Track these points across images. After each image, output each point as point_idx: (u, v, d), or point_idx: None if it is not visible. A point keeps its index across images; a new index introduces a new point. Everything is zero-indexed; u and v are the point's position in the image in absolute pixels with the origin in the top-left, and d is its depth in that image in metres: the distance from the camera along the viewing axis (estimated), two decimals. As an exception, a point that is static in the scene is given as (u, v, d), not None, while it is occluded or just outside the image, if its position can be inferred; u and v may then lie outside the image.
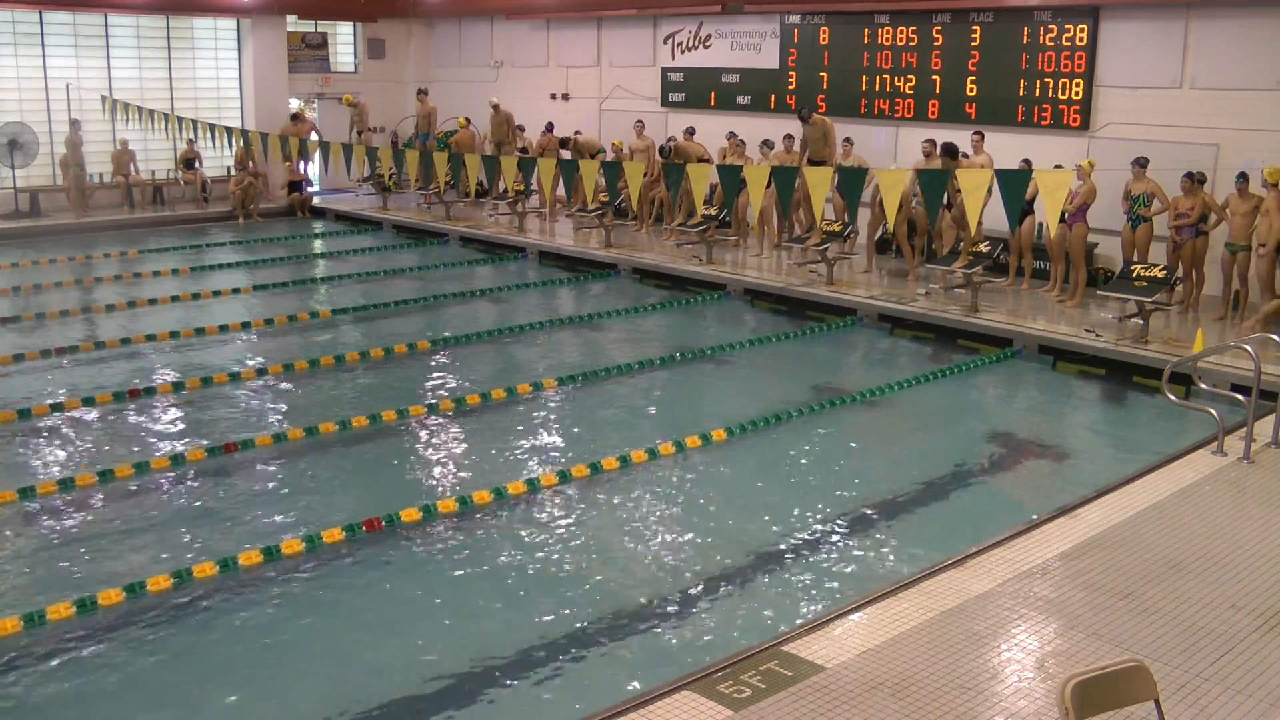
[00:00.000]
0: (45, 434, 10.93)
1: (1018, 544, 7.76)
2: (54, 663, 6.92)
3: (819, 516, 9.12)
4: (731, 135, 19.72)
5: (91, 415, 11.40)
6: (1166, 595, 6.94)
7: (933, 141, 16.49)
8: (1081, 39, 16.45)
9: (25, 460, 10.26)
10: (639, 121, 21.49)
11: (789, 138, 18.85)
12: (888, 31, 18.74)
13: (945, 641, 6.36)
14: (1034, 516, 8.38)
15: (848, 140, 17.93)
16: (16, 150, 22.02)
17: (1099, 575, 7.22)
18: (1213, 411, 9.70)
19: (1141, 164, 14.64)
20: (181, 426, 11.27)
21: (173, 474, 9.88)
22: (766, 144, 18.69)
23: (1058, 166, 14.61)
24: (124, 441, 10.74)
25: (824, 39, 19.76)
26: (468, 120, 24.31)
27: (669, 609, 7.59)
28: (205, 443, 10.54)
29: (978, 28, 17.63)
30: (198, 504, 9.38)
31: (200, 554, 8.21)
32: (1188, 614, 6.70)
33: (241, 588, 7.85)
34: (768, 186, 13.73)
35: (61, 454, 10.50)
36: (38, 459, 10.32)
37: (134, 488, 9.57)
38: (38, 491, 9.28)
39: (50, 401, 11.51)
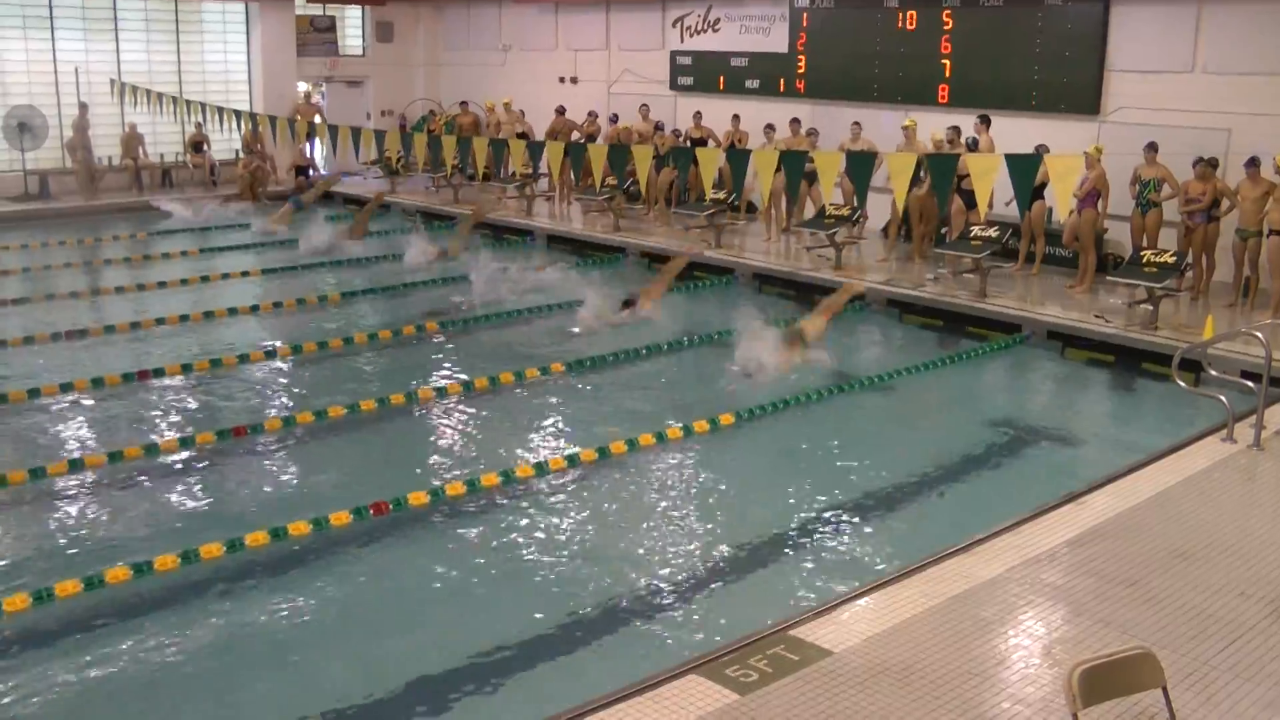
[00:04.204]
0: (55, 415, 10.96)
1: (1025, 530, 7.75)
2: (62, 638, 6.97)
3: (825, 501, 9.12)
4: (735, 118, 19.74)
5: (101, 397, 11.42)
6: (1174, 582, 6.93)
7: (956, 129, 16.43)
8: (1092, 23, 16.37)
9: (35, 441, 10.28)
10: (644, 105, 21.48)
11: (795, 121, 18.77)
12: (897, 15, 18.66)
13: (952, 627, 6.35)
14: (1041, 503, 8.36)
15: (856, 124, 17.87)
16: (26, 133, 22.04)
17: (1106, 562, 7.21)
18: (1222, 398, 9.66)
19: (1153, 149, 14.58)
20: (190, 408, 11.30)
21: (182, 455, 9.90)
22: (769, 127, 18.65)
23: (1086, 153, 14.52)
24: (133, 423, 10.77)
25: (833, 22, 19.68)
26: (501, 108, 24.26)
27: (675, 593, 7.60)
28: (214, 425, 10.56)
29: (988, 11, 17.54)
30: (206, 485, 9.41)
31: (208, 534, 8.20)
32: (1196, 601, 6.68)
33: (249, 568, 7.87)
34: (776, 170, 13.71)
35: (71, 435, 10.53)
36: (48, 439, 10.34)
37: (143, 469, 9.60)
38: (48, 471, 9.31)
39: (60, 382, 11.53)
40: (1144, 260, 13.68)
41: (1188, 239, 14.28)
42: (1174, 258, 13.56)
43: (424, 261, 17.82)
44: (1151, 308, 13.25)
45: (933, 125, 17.08)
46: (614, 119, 21.92)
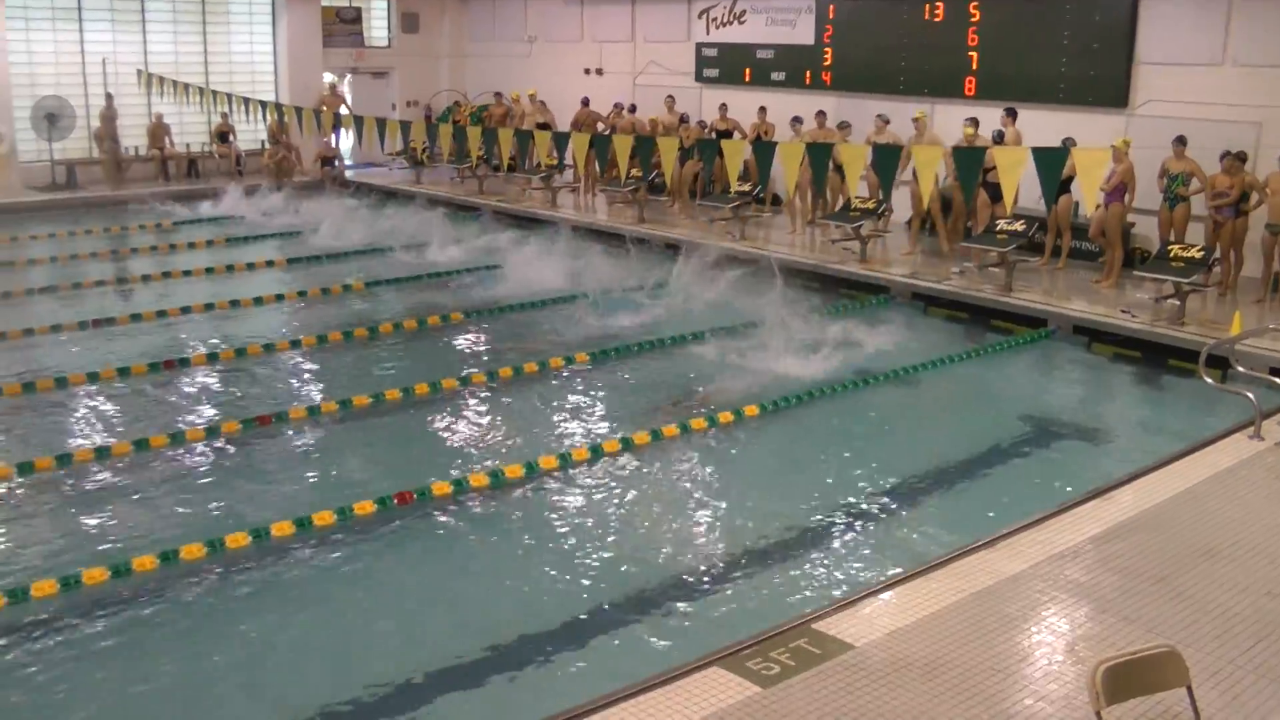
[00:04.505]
0: (82, 403, 11.04)
1: (1049, 526, 7.72)
2: (88, 625, 7.02)
3: (849, 494, 9.10)
4: (762, 110, 19.71)
5: (127, 385, 11.50)
6: (1200, 580, 6.89)
7: (975, 120, 16.35)
8: (1121, 15, 16.24)
9: (62, 429, 10.37)
10: (669, 97, 21.45)
11: (821, 114, 18.71)
12: (924, 7, 18.55)
13: (976, 622, 6.33)
14: (1066, 499, 8.32)
15: (881, 117, 17.76)
16: (54, 124, 22.20)
17: (1131, 559, 7.17)
18: (1249, 395, 9.59)
19: (1181, 143, 14.46)
20: (216, 398, 11.36)
21: (207, 444, 9.95)
22: (797, 120, 18.59)
23: (1114, 147, 14.38)
24: (159, 412, 10.84)
25: (859, 14, 19.60)
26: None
27: (698, 585, 7.60)
28: (240, 414, 10.62)
29: (1015, 3, 17.43)
30: (232, 475, 9.46)
31: (233, 524, 8.27)
32: (1221, 600, 6.64)
33: (273, 557, 7.91)
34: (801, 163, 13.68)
35: (98, 423, 10.61)
36: (74, 428, 10.44)
37: (169, 457, 9.66)
38: (74, 459, 9.39)
39: (87, 371, 11.60)
40: (1171, 255, 13.58)
41: (1216, 234, 14.16)
42: (1201, 252, 13.46)
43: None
44: (1179, 303, 13.15)
45: (961, 119, 16.93)
46: (632, 109, 21.90)
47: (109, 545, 8.05)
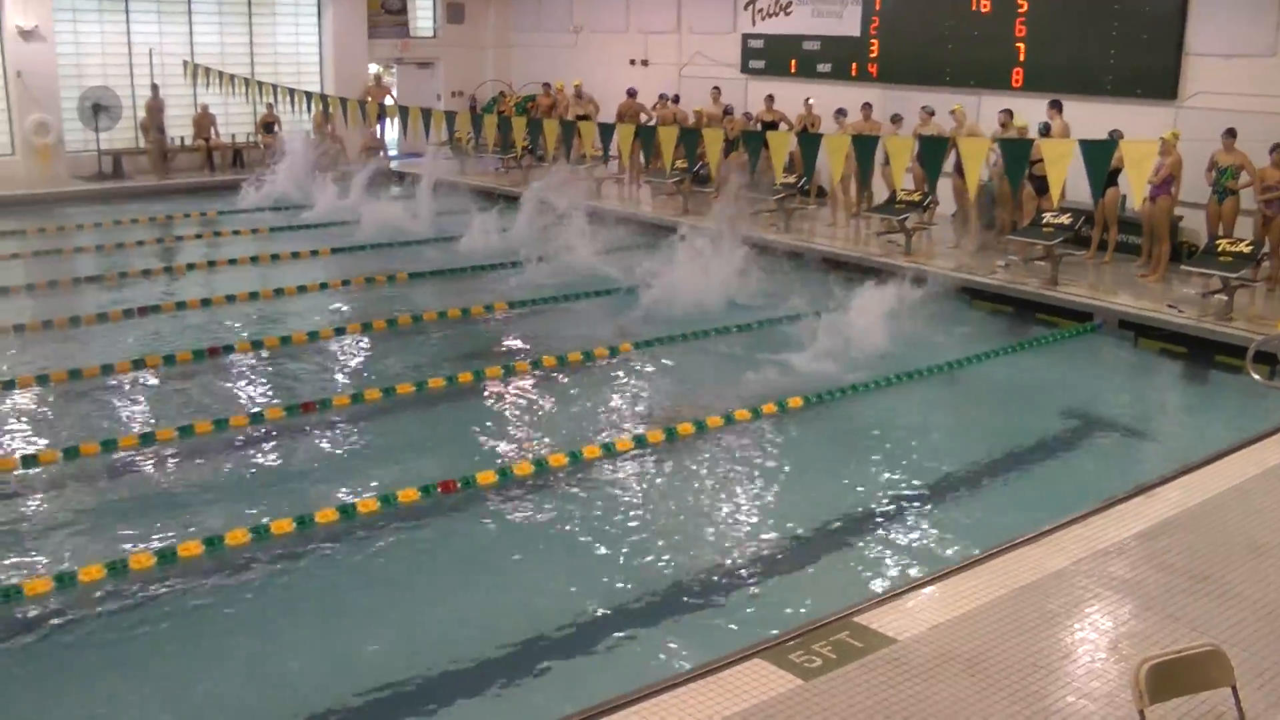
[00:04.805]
0: (127, 390, 11.17)
1: (1094, 522, 7.65)
2: (133, 609, 7.12)
3: (892, 488, 9.07)
4: (808, 102, 19.63)
5: (172, 372, 11.62)
6: (1246, 579, 6.80)
7: (1009, 112, 16.20)
8: (1171, 5, 16.04)
9: (108, 415, 10.50)
10: (715, 88, 21.39)
11: (867, 105, 18.61)
12: (971, -2, 18.42)
13: (1018, 618, 6.29)
14: (1111, 495, 8.23)
15: (926, 109, 17.65)
16: (101, 114, 22.44)
17: (1176, 556, 7.10)
18: (1299, 392, 9.48)
19: (1231, 135, 14.27)
20: (260, 385, 11.47)
21: (251, 431, 10.05)
22: (841, 112, 18.50)
23: (1162, 139, 14.20)
24: (204, 398, 10.94)
25: (906, 5, 19.46)
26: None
27: (741, 577, 7.60)
28: (283, 401, 10.71)
29: (1064, -6, 17.28)
30: (276, 461, 9.55)
31: (277, 510, 8.34)
32: (1268, 599, 6.56)
33: (317, 544, 7.98)
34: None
35: (143, 409, 10.73)
36: (120, 414, 10.56)
37: (213, 444, 9.75)
38: (120, 445, 9.50)
39: (132, 358, 11.74)
40: (1219, 249, 13.41)
41: (1265, 228, 13.97)
42: (1250, 247, 13.28)
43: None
44: (1226, 298, 12.99)
45: (1011, 110, 16.77)
46: (675, 100, 21.82)
47: (154, 530, 8.14)
